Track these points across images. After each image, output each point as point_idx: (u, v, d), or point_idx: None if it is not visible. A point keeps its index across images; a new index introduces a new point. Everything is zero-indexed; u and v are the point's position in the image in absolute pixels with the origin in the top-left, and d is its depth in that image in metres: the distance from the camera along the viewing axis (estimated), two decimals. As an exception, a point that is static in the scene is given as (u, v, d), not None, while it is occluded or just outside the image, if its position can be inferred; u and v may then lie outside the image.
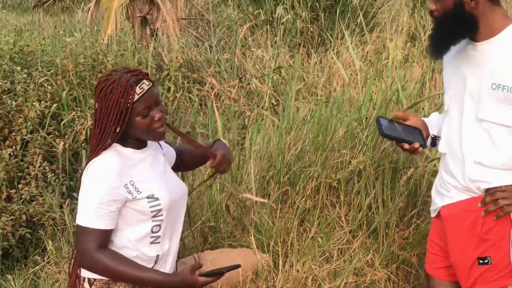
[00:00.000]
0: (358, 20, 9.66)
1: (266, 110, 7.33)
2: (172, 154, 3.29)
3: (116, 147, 2.91)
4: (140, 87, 2.82)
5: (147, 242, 2.92)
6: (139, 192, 2.84)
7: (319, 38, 9.70)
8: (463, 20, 2.79)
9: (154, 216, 2.88)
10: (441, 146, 3.03)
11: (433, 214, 3.17)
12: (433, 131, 3.17)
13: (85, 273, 2.94)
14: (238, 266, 2.90)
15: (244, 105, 7.66)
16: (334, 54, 8.37)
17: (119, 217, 2.87)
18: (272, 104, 7.68)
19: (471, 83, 2.83)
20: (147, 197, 2.85)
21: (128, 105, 2.79)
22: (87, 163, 2.86)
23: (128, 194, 2.82)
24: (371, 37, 9.09)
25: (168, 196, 2.92)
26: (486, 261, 2.88)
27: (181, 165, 3.32)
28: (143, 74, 2.88)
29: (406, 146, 3.02)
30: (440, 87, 5.81)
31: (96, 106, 2.86)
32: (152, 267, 2.94)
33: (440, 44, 2.88)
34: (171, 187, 3.00)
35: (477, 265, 2.91)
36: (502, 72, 2.73)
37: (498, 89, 2.73)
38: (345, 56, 8.44)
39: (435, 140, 3.17)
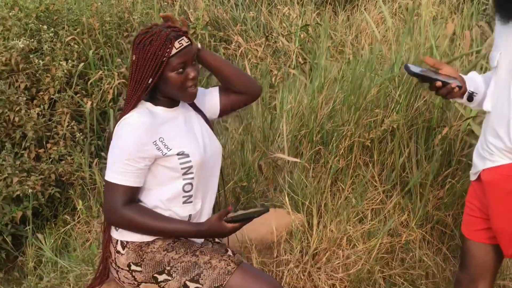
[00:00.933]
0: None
1: (294, 68, 7.25)
2: (211, 98, 3.22)
3: (147, 105, 2.90)
4: (179, 42, 2.80)
5: (179, 201, 2.90)
6: (169, 149, 2.82)
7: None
8: None
9: (185, 173, 2.85)
10: (486, 104, 2.89)
11: (473, 178, 3.05)
12: (470, 87, 3.03)
13: (117, 235, 2.93)
14: (267, 210, 2.86)
15: (271, 64, 7.59)
16: (364, 10, 8.25)
17: (150, 176, 2.86)
18: (299, 62, 7.60)
19: None
20: (178, 154, 2.83)
21: (165, 58, 2.76)
22: (120, 116, 2.85)
23: (157, 151, 2.79)
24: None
25: (199, 153, 2.89)
26: (528, 228, 2.80)
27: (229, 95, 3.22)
28: (183, 31, 2.86)
29: (439, 83, 2.85)
30: (470, 45, 5.70)
31: (134, 58, 2.84)
32: None
33: (508, 4, 2.76)
34: (203, 145, 2.97)
35: None
36: None
37: None
38: (373, 14, 8.31)
39: (471, 96, 3.01)
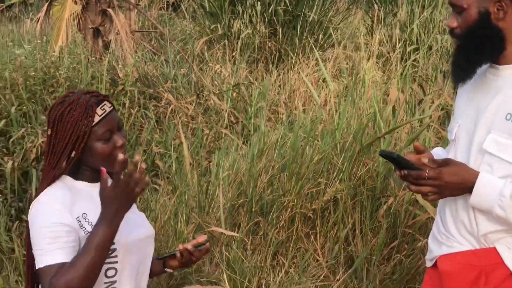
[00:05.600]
0: (319, 36, 9.50)
1: (226, 128, 7.07)
2: None
3: (66, 180, 2.54)
4: (102, 108, 2.48)
5: (101, 286, 2.53)
6: (92, 226, 2.46)
7: (278, 54, 9.47)
8: (489, 35, 2.49)
9: (108, 256, 2.49)
10: None
11: (428, 264, 2.79)
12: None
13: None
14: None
15: (202, 123, 7.37)
16: (299, 70, 8.16)
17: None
18: (231, 122, 7.42)
19: (485, 111, 2.53)
20: None
21: (88, 128, 2.44)
22: (34, 197, 2.50)
23: (80, 228, 2.44)
24: (332, 54, 8.88)
25: (126, 234, 2.54)
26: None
27: None
28: (104, 95, 2.55)
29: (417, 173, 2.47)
30: (404, 108, 5.58)
31: (49, 132, 2.50)
32: None
33: (466, 66, 2.57)
34: (130, 226, 2.62)
35: None
36: None
37: None
38: (306, 73, 8.18)
39: None
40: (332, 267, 4.33)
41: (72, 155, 2.47)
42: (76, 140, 2.46)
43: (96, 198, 2.54)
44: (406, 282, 4.29)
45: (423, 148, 2.62)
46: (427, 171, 2.41)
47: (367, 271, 4.27)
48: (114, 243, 2.46)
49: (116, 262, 2.50)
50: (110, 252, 2.46)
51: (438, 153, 2.84)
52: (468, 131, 2.57)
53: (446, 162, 2.46)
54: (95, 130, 2.46)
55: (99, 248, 2.34)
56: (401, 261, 4.33)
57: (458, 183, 2.43)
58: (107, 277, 2.51)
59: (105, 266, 2.47)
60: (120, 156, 2.42)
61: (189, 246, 2.64)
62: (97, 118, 2.46)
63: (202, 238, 2.69)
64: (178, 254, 2.64)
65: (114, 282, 2.53)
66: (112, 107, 2.53)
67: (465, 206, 2.54)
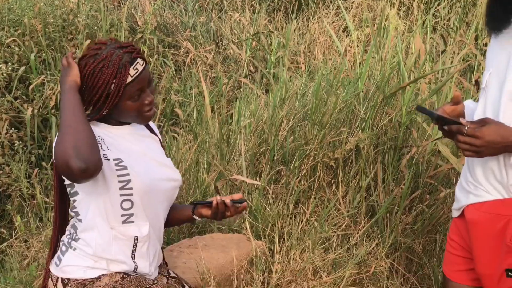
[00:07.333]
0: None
1: (245, 77, 7.03)
2: None
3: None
4: (134, 68, 2.47)
5: (118, 220, 2.54)
6: (108, 149, 2.52)
7: (297, 3, 9.35)
8: None
9: (122, 188, 2.50)
10: None
11: (455, 214, 2.80)
12: (466, 117, 2.77)
13: (58, 272, 2.59)
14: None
15: (221, 72, 7.33)
16: (320, 19, 8.06)
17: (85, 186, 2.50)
18: (250, 71, 7.37)
19: None
20: (114, 160, 2.51)
21: (120, 88, 2.43)
22: None
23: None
24: (352, 4, 8.77)
25: (143, 170, 2.57)
26: (515, 273, 2.55)
27: None
28: (137, 51, 2.52)
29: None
30: (424, 59, 5.50)
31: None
32: (133, 250, 2.60)
33: (502, 16, 2.52)
34: (150, 164, 2.63)
35: (505, 277, 2.56)
36: None
37: None
38: (326, 22, 8.09)
39: None
40: (354, 217, 4.32)
41: (104, 112, 2.53)
42: (105, 98, 2.46)
43: (118, 138, 2.57)
44: (427, 232, 4.29)
45: (461, 100, 2.62)
46: (466, 127, 2.38)
47: (388, 221, 4.26)
48: (128, 174, 2.49)
49: (132, 194, 2.53)
50: (125, 183, 2.49)
51: (469, 105, 2.80)
52: (499, 79, 2.52)
53: (484, 122, 2.41)
54: (126, 90, 2.48)
55: (65, 107, 2.38)
56: (422, 211, 4.32)
57: (500, 142, 2.38)
58: (123, 209, 2.54)
59: (120, 198, 2.51)
60: None
61: (227, 199, 2.65)
62: (129, 79, 2.47)
63: (237, 195, 2.72)
64: (214, 203, 2.65)
65: (131, 215, 2.56)
66: (144, 64, 2.52)
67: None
